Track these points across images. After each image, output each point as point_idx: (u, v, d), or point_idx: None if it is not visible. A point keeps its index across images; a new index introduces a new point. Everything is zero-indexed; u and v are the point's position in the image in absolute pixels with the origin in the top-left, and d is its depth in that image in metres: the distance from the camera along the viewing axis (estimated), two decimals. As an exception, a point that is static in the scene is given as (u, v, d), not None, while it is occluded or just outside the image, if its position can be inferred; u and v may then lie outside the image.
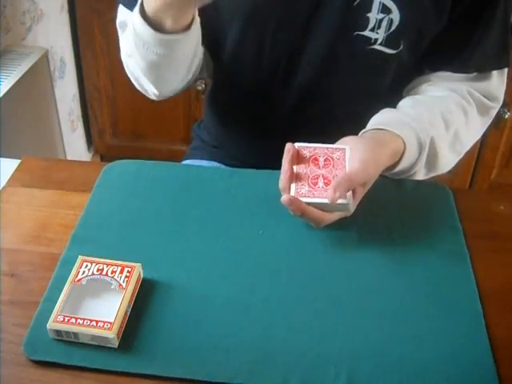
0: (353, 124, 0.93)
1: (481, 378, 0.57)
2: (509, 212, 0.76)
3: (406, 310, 0.63)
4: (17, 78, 1.44)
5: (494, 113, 0.88)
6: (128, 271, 0.62)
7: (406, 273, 0.67)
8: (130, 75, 0.87)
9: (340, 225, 0.72)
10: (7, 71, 1.46)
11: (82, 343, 0.58)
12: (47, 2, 1.76)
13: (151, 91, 0.86)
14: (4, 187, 0.77)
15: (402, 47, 0.81)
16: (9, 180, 0.78)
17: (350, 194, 0.68)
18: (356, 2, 0.78)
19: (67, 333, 0.57)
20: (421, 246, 0.70)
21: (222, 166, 0.95)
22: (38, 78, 1.57)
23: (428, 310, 0.63)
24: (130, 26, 0.76)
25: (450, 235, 0.72)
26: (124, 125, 2.10)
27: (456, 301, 0.64)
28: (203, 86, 1.84)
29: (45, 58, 1.58)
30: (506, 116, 1.71)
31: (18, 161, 0.82)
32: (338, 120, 0.91)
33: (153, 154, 1.84)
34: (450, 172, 0.88)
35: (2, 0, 1.48)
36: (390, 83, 0.88)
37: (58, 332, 0.58)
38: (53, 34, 1.82)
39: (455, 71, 0.85)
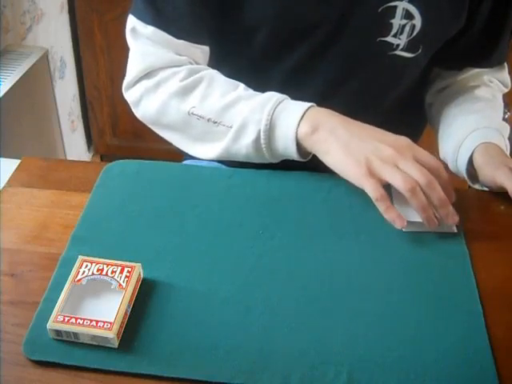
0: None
1: (481, 378, 0.57)
2: (509, 212, 0.76)
3: (405, 309, 0.63)
4: (17, 78, 1.44)
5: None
6: (128, 271, 0.62)
7: (406, 273, 0.67)
8: (151, 124, 0.85)
9: (340, 225, 0.72)
10: (7, 71, 1.46)
11: (82, 343, 0.58)
12: (47, 2, 1.76)
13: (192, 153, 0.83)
14: (4, 187, 0.77)
15: (420, 51, 0.82)
16: (9, 180, 0.78)
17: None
18: (380, 9, 0.78)
19: (67, 333, 0.57)
20: (421, 245, 0.70)
21: (222, 166, 0.95)
22: (38, 78, 1.57)
23: (428, 310, 0.63)
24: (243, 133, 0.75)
25: (450, 235, 0.72)
26: (124, 125, 2.10)
27: (456, 301, 0.64)
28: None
29: (45, 58, 1.59)
30: (506, 116, 1.72)
31: (18, 161, 0.82)
32: None
33: (153, 154, 1.84)
34: (450, 172, 0.89)
35: (2, 0, 1.48)
36: (405, 86, 0.89)
37: (57, 332, 0.58)
38: (53, 33, 1.82)
39: (481, 67, 0.91)
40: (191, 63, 0.83)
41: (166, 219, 0.72)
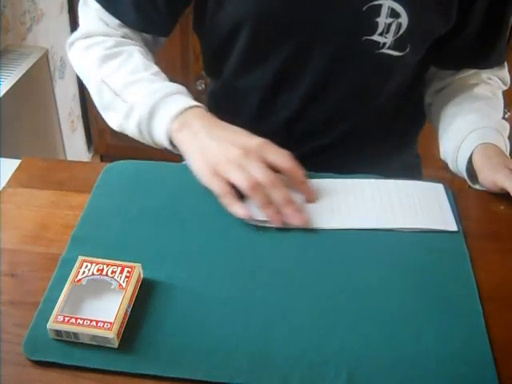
0: (358, 126, 0.94)
1: (481, 378, 0.57)
2: (509, 212, 0.76)
3: (405, 310, 0.63)
4: (17, 78, 1.44)
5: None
6: (128, 271, 0.62)
7: (406, 273, 0.67)
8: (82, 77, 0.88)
9: (339, 225, 0.72)
10: (7, 71, 1.46)
11: (81, 343, 0.58)
12: (47, 2, 1.76)
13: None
14: (4, 187, 0.77)
15: (408, 49, 0.82)
16: (9, 180, 0.78)
17: None
18: (365, 7, 0.78)
19: (67, 333, 0.57)
20: (420, 246, 0.70)
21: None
22: (38, 78, 1.57)
23: (428, 310, 0.63)
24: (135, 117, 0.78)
25: (450, 235, 0.72)
26: (124, 125, 2.09)
27: (456, 301, 0.64)
28: (203, 86, 1.84)
29: (45, 58, 1.59)
30: (506, 116, 1.72)
31: (18, 161, 0.82)
32: (343, 122, 0.92)
33: (153, 154, 1.83)
34: (450, 172, 0.89)
35: (2, 0, 1.48)
36: (396, 84, 0.89)
37: (57, 332, 0.58)
38: (53, 33, 1.82)
39: (480, 68, 0.91)
40: (124, 37, 0.87)
41: (166, 219, 0.72)
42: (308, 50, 0.83)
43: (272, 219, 0.70)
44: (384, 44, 0.81)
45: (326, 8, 0.79)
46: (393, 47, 0.81)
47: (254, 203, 0.70)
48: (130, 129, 0.80)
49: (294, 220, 0.69)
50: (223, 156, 0.70)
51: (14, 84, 1.42)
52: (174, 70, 1.84)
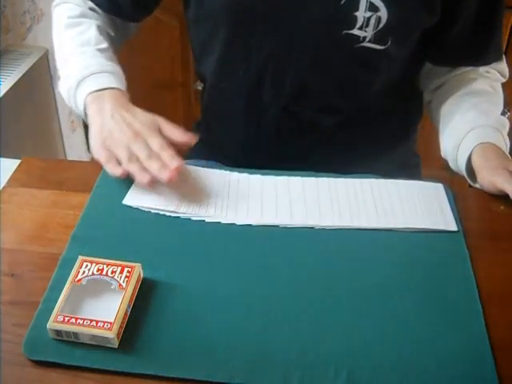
0: (347, 123, 0.94)
1: (481, 378, 0.57)
2: (509, 212, 0.76)
3: (405, 310, 0.63)
4: (17, 78, 1.44)
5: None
6: (128, 271, 0.62)
7: (406, 273, 0.67)
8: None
9: (340, 225, 0.72)
10: (7, 71, 1.46)
11: (82, 343, 0.58)
12: (47, 2, 1.76)
13: None
14: (4, 187, 0.77)
15: (389, 43, 0.82)
16: (9, 180, 0.78)
17: None
18: (343, 1, 0.78)
19: (67, 333, 0.57)
20: (421, 246, 0.70)
21: (222, 166, 0.95)
22: (38, 77, 1.57)
23: (428, 310, 0.63)
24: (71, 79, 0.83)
25: (450, 235, 0.72)
26: (124, 125, 2.09)
27: (456, 301, 0.64)
28: (203, 85, 1.84)
29: (45, 58, 1.59)
30: (506, 116, 1.71)
31: (18, 161, 0.82)
32: (331, 117, 0.92)
33: (153, 154, 1.83)
34: (450, 172, 0.89)
35: (2, 0, 1.48)
36: (383, 79, 0.89)
37: (57, 332, 0.58)
38: (53, 33, 1.82)
39: (476, 66, 0.90)
40: (91, 10, 0.92)
41: (166, 219, 0.72)
42: (288, 46, 0.83)
43: (141, 180, 0.73)
44: (364, 38, 0.81)
45: (304, 2, 0.79)
46: (373, 41, 0.81)
47: (131, 172, 0.74)
48: (64, 95, 0.86)
49: (161, 176, 0.72)
50: (115, 134, 0.76)
51: (14, 84, 1.42)
52: (174, 70, 1.84)
